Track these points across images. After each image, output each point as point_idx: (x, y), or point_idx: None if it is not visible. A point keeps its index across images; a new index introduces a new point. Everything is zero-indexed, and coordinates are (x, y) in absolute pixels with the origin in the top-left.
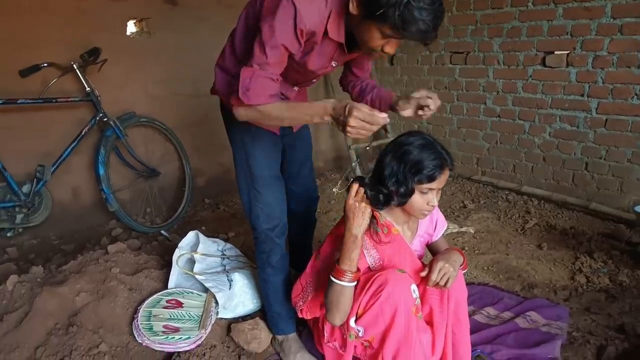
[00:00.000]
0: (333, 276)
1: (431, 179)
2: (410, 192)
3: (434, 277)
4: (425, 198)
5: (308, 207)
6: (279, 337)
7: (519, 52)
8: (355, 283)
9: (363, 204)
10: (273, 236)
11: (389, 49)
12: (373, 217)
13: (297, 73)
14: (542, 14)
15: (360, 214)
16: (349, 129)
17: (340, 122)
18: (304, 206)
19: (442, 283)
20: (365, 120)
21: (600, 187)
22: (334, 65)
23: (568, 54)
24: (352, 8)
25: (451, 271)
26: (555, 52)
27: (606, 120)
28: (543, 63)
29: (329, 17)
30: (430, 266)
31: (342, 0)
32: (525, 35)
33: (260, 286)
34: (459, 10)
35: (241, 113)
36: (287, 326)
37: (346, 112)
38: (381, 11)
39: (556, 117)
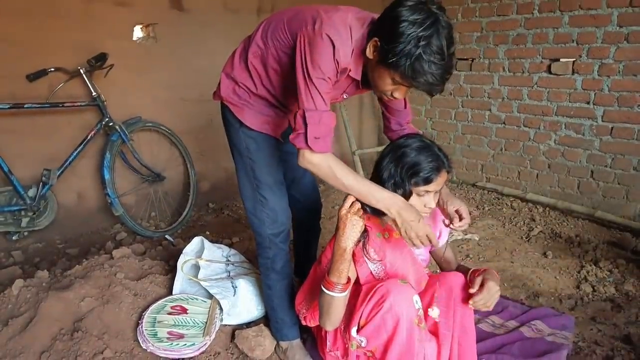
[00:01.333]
0: (323, 286)
1: (427, 181)
2: (407, 195)
3: (485, 299)
4: (423, 200)
5: (312, 214)
6: (283, 344)
7: (524, 59)
8: (345, 294)
9: (356, 217)
10: (278, 242)
11: (398, 94)
12: (365, 232)
13: None
14: (548, 22)
15: (351, 226)
16: (407, 238)
17: (403, 226)
18: (308, 214)
19: (487, 306)
20: (428, 239)
21: (605, 195)
22: (345, 97)
23: (574, 61)
24: (369, 52)
25: (498, 295)
26: (561, 60)
27: (612, 128)
28: (549, 70)
29: (351, 55)
30: (478, 283)
31: (362, 43)
32: (530, 42)
33: (264, 292)
34: (465, 17)
35: (315, 161)
36: (291, 332)
37: (416, 229)
38: (394, 59)
39: (561, 125)
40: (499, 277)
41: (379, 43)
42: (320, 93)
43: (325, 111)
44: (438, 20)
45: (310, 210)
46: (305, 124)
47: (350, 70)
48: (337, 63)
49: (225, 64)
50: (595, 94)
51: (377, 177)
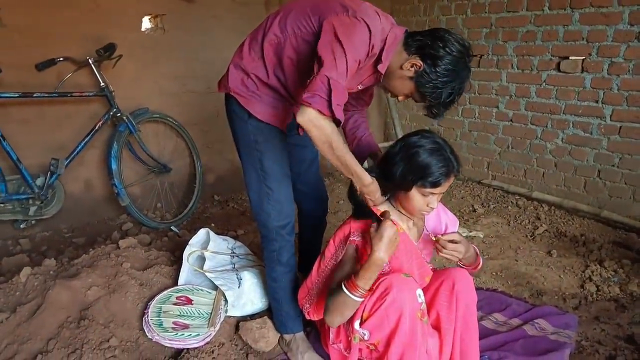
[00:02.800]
0: (345, 286)
1: (435, 185)
2: (407, 188)
3: (446, 247)
4: (426, 200)
5: (318, 208)
6: (287, 337)
7: (533, 56)
8: (363, 298)
9: (397, 233)
10: (284, 233)
11: (403, 99)
12: None
13: None
14: (558, 19)
15: (393, 240)
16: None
17: (363, 193)
18: (314, 207)
19: (444, 255)
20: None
21: (612, 195)
22: (359, 87)
23: (583, 59)
24: (406, 66)
25: (456, 257)
26: (571, 58)
27: (620, 127)
28: (557, 68)
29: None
30: (451, 237)
31: (392, 39)
32: (540, 39)
33: (269, 285)
34: (474, 12)
35: (320, 123)
36: (294, 325)
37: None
38: (426, 92)
39: (569, 123)
40: (478, 260)
41: (421, 68)
42: (347, 66)
43: (344, 87)
44: (469, 75)
45: (316, 203)
46: (330, 89)
47: (377, 60)
48: (372, 47)
49: (234, 56)
50: (604, 93)
51: (384, 170)
